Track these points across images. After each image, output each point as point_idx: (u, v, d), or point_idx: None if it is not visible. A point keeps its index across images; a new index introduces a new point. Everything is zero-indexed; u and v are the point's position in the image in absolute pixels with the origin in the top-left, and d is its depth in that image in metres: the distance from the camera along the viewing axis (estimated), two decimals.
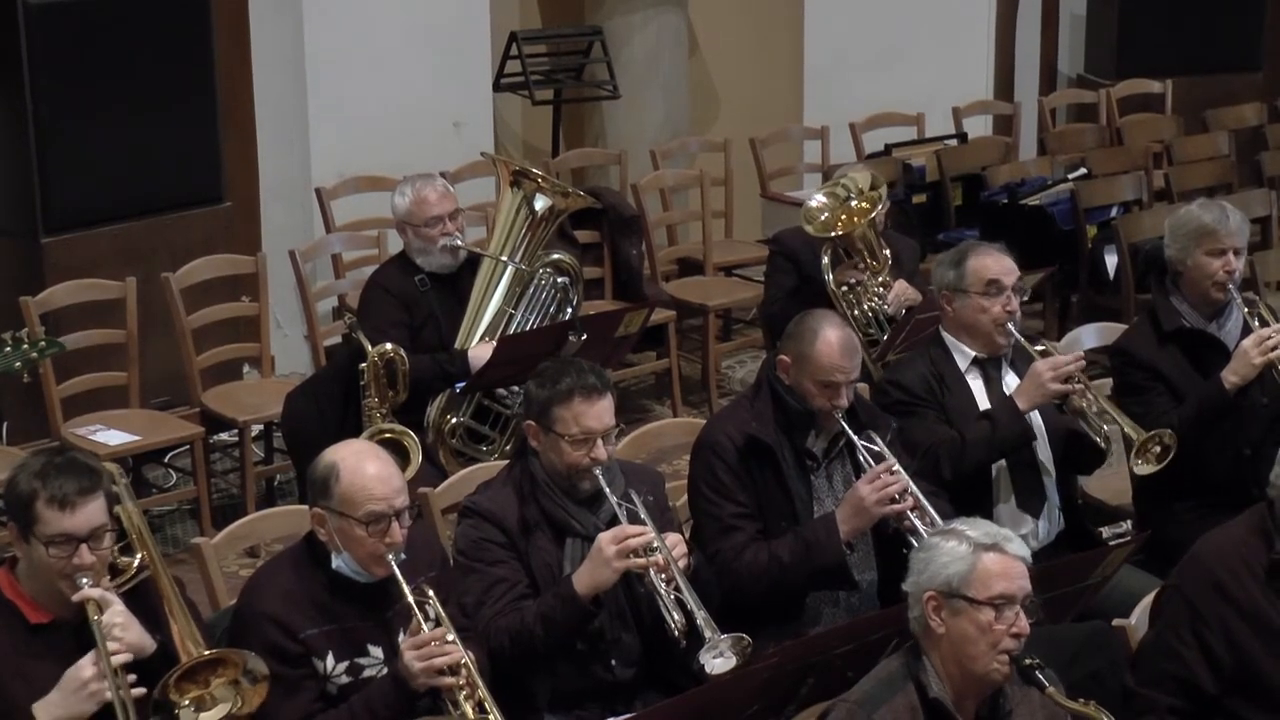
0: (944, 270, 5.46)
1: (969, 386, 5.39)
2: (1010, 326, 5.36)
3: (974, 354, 5.40)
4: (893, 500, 4.81)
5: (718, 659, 4.34)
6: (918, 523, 4.80)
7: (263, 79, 8.19)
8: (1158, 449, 5.27)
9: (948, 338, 5.44)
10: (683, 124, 9.79)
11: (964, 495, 5.03)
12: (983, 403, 5.37)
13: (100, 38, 7.38)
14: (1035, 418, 5.30)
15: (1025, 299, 5.50)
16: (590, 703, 4.59)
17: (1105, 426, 5.30)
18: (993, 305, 5.33)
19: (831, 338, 4.93)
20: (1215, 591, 4.31)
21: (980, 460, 5.23)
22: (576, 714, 4.57)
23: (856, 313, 6.67)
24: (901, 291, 6.69)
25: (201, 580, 4.69)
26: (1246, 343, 5.45)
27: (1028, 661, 3.88)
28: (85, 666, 3.84)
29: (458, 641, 4.09)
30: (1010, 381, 5.43)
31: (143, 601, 4.03)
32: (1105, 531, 5.90)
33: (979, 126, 10.27)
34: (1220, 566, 4.34)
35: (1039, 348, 5.43)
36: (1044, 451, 5.38)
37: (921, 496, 4.85)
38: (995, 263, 5.39)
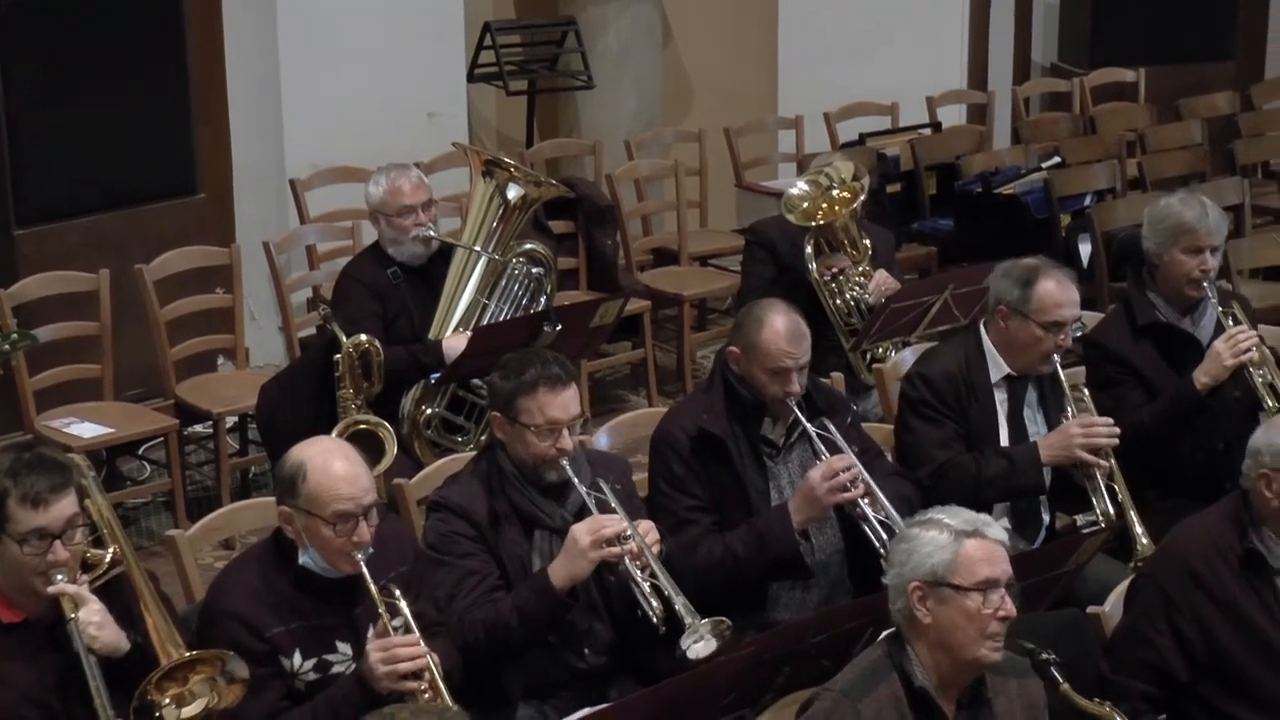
0: (1009, 285, 5.31)
1: (994, 399, 5.35)
2: (1054, 356, 5.30)
3: (1008, 370, 5.35)
4: (844, 489, 4.81)
5: (699, 643, 4.35)
6: (869, 510, 4.81)
7: (236, 70, 8.16)
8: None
9: (988, 346, 5.35)
10: (657, 114, 9.80)
11: None
12: (1002, 419, 5.34)
13: (72, 29, 7.35)
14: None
15: (1079, 334, 5.42)
16: (564, 692, 4.59)
17: (1110, 508, 5.17)
18: (1049, 338, 5.25)
19: (778, 324, 4.94)
20: (1189, 579, 4.33)
21: (989, 498, 5.20)
22: (551, 704, 4.57)
23: (838, 302, 6.68)
24: (882, 281, 6.70)
25: (176, 573, 4.68)
26: (1219, 345, 5.45)
27: (1044, 656, 3.90)
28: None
29: (423, 646, 4.07)
30: (1032, 403, 5.41)
31: (116, 597, 4.01)
32: (1079, 519, 5.91)
33: (953, 116, 10.28)
34: (1194, 555, 4.36)
35: (1074, 396, 5.32)
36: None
37: (874, 484, 4.85)
38: (1063, 295, 5.26)
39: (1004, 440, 5.34)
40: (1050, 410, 5.39)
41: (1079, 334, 5.44)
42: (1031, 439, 5.33)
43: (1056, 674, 3.93)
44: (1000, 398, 5.36)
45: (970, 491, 5.10)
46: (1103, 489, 5.21)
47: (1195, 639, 4.32)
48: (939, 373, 5.33)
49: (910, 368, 5.58)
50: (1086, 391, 5.42)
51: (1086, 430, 5.19)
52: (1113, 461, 5.21)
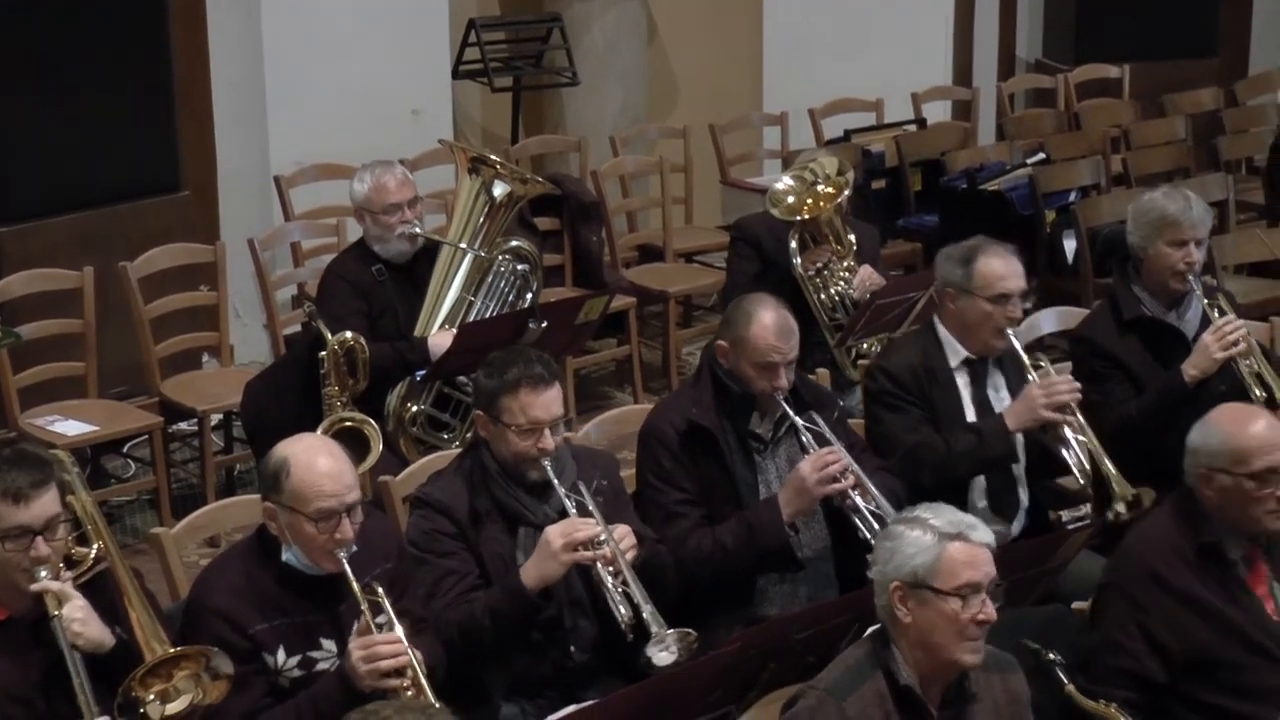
0: (951, 266, 5.35)
1: (956, 384, 5.36)
2: (1008, 330, 5.33)
3: (966, 354, 5.37)
4: (834, 480, 4.81)
5: (663, 653, 4.35)
6: (860, 502, 4.81)
7: (220, 66, 8.14)
8: (1131, 497, 5.14)
9: (942, 332, 5.38)
10: (642, 110, 9.79)
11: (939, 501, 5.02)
12: (968, 401, 5.35)
13: (55, 25, 7.33)
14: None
15: (1029, 305, 5.44)
16: (550, 689, 4.59)
17: (1085, 463, 5.22)
18: (998, 311, 5.28)
19: (766, 320, 4.94)
20: (1153, 582, 4.36)
21: (963, 473, 5.22)
22: (537, 702, 4.57)
23: (823, 297, 6.69)
24: (867, 276, 6.70)
25: (161, 570, 4.67)
26: (1207, 337, 5.46)
27: (1050, 657, 3.90)
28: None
29: (405, 643, 4.06)
30: (997, 383, 5.42)
31: (100, 593, 4.00)
32: (1065, 515, 5.91)
33: (938, 112, 10.30)
34: (1154, 557, 4.39)
35: (1032, 362, 5.35)
36: (1020, 463, 5.36)
37: (863, 476, 4.86)
38: (1006, 268, 5.30)
39: None
40: (1017, 392, 5.39)
41: (1030, 304, 5.44)
42: None
43: (1061, 675, 3.94)
44: (963, 382, 5.37)
45: (942, 468, 5.14)
46: (1075, 446, 5.22)
47: (1169, 640, 4.33)
48: (899, 364, 5.35)
49: (870, 363, 5.60)
50: (1045, 358, 5.44)
51: (1048, 389, 5.20)
52: (1079, 416, 5.22)
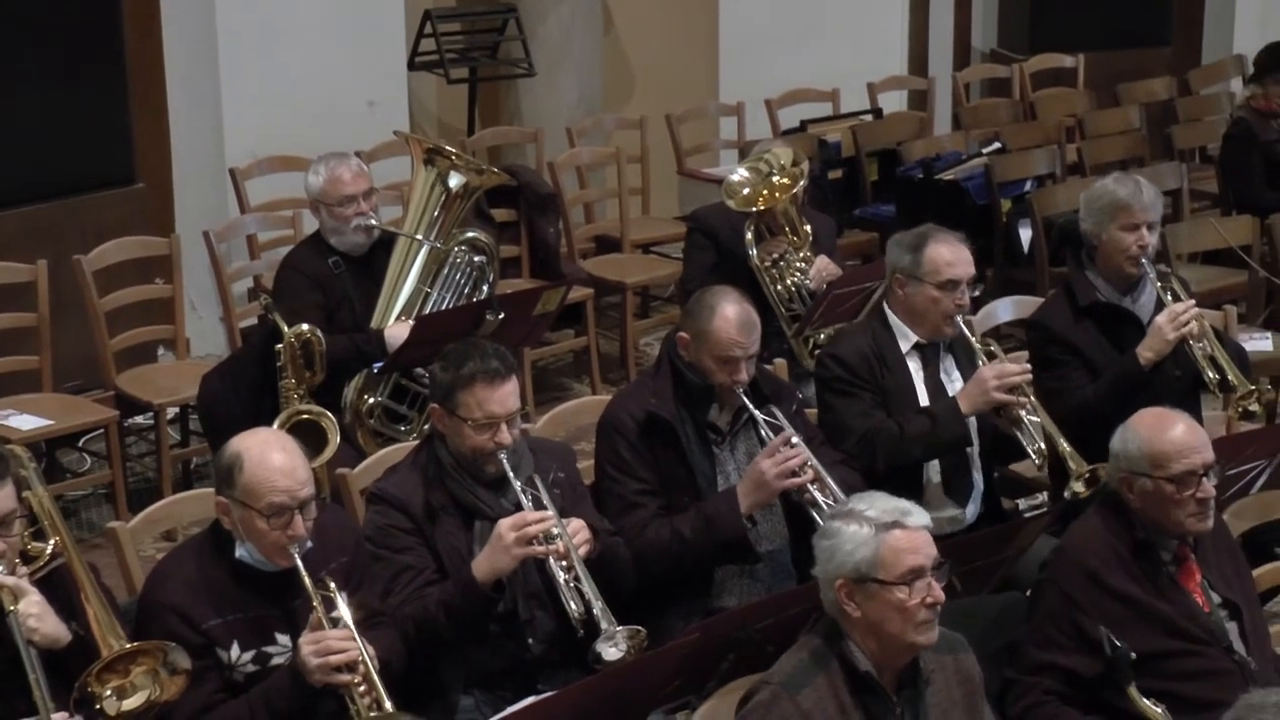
0: (900, 252, 5.37)
1: (908, 369, 5.37)
2: (958, 318, 5.34)
3: (916, 339, 5.39)
4: (793, 474, 4.82)
5: (612, 649, 4.34)
6: (818, 495, 4.82)
7: (174, 57, 8.10)
8: (1088, 475, 5.17)
9: (892, 318, 5.39)
10: (598, 101, 9.79)
11: (892, 485, 5.03)
12: (920, 387, 5.36)
13: (7, 17, 7.28)
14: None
15: (977, 294, 5.48)
16: (508, 681, 4.58)
17: (1040, 443, 5.25)
18: (946, 298, 5.30)
19: (729, 314, 4.94)
20: (1089, 580, 4.39)
21: (917, 457, 5.23)
22: (495, 694, 4.56)
23: (779, 288, 6.70)
24: (823, 267, 6.71)
25: (117, 565, 4.65)
26: (1161, 320, 5.50)
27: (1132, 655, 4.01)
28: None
29: (356, 638, 4.04)
30: (949, 367, 5.43)
31: (57, 589, 3.99)
32: (1022, 503, 5.94)
33: (894, 102, 10.31)
34: (1091, 556, 4.43)
35: (982, 347, 5.38)
36: (974, 447, 5.38)
37: (822, 469, 4.87)
38: (953, 255, 5.32)
39: None
40: (968, 375, 5.40)
41: (978, 292, 5.48)
42: None
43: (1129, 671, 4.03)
44: (914, 366, 5.38)
45: (897, 452, 5.16)
46: (1029, 427, 5.24)
47: (1104, 637, 4.36)
48: (850, 350, 5.36)
49: (821, 351, 5.61)
50: (994, 344, 5.47)
51: (999, 372, 5.22)
52: (1031, 397, 5.25)
